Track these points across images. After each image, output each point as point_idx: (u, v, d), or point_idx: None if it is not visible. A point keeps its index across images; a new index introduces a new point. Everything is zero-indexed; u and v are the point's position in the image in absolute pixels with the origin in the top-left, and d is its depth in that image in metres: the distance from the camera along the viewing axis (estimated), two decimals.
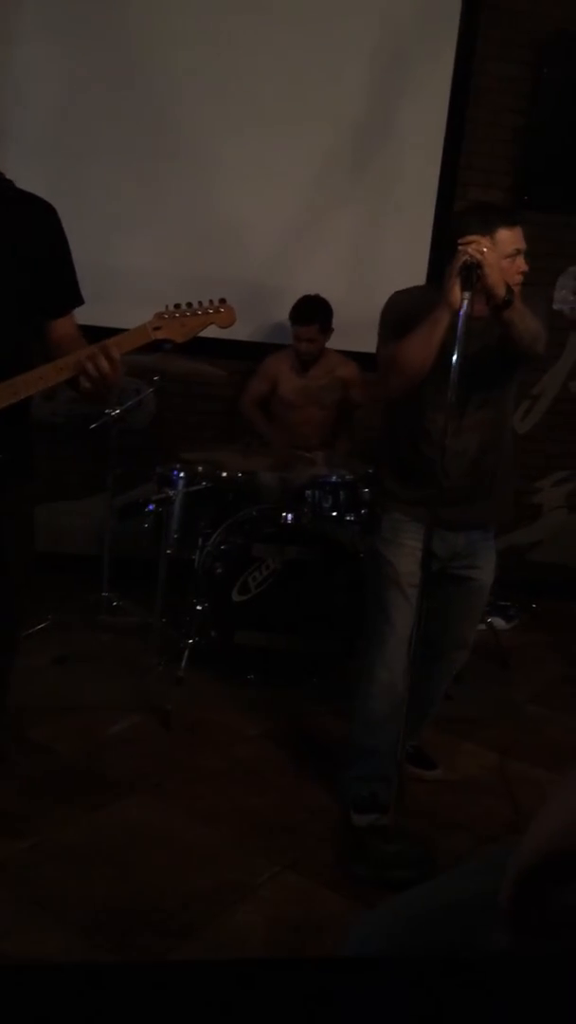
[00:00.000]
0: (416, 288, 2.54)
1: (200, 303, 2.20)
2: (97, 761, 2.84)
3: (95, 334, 2.50)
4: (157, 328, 2.13)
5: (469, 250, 2.19)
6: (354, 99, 4.19)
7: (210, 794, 2.73)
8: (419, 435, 2.50)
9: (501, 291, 2.25)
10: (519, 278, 2.35)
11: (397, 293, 2.52)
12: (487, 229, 2.32)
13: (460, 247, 2.21)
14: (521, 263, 2.38)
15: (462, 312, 2.19)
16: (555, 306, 4.60)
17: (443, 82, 4.25)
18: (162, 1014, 0.66)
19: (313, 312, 3.93)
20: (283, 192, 4.18)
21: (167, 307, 2.16)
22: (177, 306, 2.17)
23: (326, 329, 3.97)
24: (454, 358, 2.21)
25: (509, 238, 2.34)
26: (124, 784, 2.72)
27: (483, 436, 2.51)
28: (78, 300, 2.24)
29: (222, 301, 2.20)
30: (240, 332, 4.23)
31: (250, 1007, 0.67)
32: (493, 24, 4.22)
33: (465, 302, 2.19)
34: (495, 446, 2.55)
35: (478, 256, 2.18)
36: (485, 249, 2.20)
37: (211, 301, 2.20)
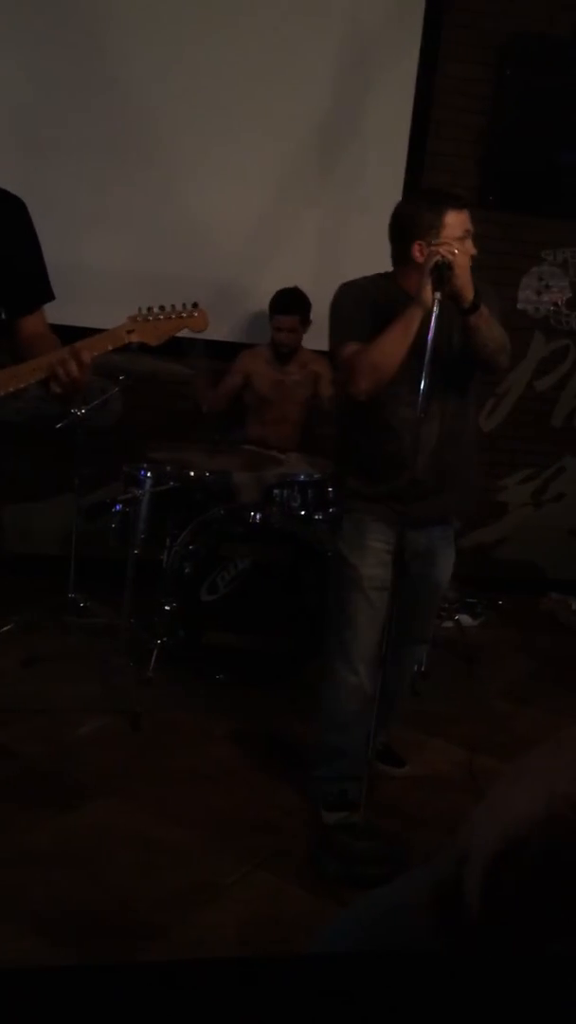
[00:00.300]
0: (362, 280, 2.51)
1: (174, 306, 2.20)
2: (65, 763, 2.82)
3: (63, 333, 2.48)
4: (130, 331, 2.13)
5: (441, 250, 2.24)
6: (320, 99, 4.19)
7: (179, 794, 2.72)
8: (381, 429, 2.48)
9: (469, 294, 2.30)
10: (469, 261, 2.34)
11: (346, 286, 2.50)
12: (436, 212, 2.36)
13: (432, 247, 2.26)
14: (470, 246, 2.38)
15: (434, 312, 2.22)
16: (519, 306, 4.65)
17: (407, 83, 4.27)
18: (131, 1016, 0.65)
19: (295, 302, 3.94)
20: (250, 191, 4.17)
21: (140, 310, 2.15)
22: (150, 309, 2.16)
23: (305, 321, 3.98)
24: (427, 355, 2.22)
25: (457, 220, 2.37)
26: (92, 786, 2.70)
27: (444, 427, 2.50)
28: (48, 296, 2.23)
29: (195, 305, 2.21)
30: (209, 330, 4.23)
31: (220, 1007, 0.67)
32: (456, 25, 4.25)
33: (437, 302, 2.22)
34: (456, 438, 2.55)
35: (450, 257, 2.23)
36: (456, 251, 2.25)
37: (184, 305, 2.21)
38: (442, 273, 2.22)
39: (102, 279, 3.96)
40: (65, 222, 3.92)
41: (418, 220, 2.40)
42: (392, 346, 2.32)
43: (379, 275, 2.53)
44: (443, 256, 2.22)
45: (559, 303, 4.70)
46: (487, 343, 2.41)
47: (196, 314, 2.22)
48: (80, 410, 3.52)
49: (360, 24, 4.15)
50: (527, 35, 4.25)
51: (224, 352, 4.19)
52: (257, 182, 4.18)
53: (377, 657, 2.55)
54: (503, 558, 4.99)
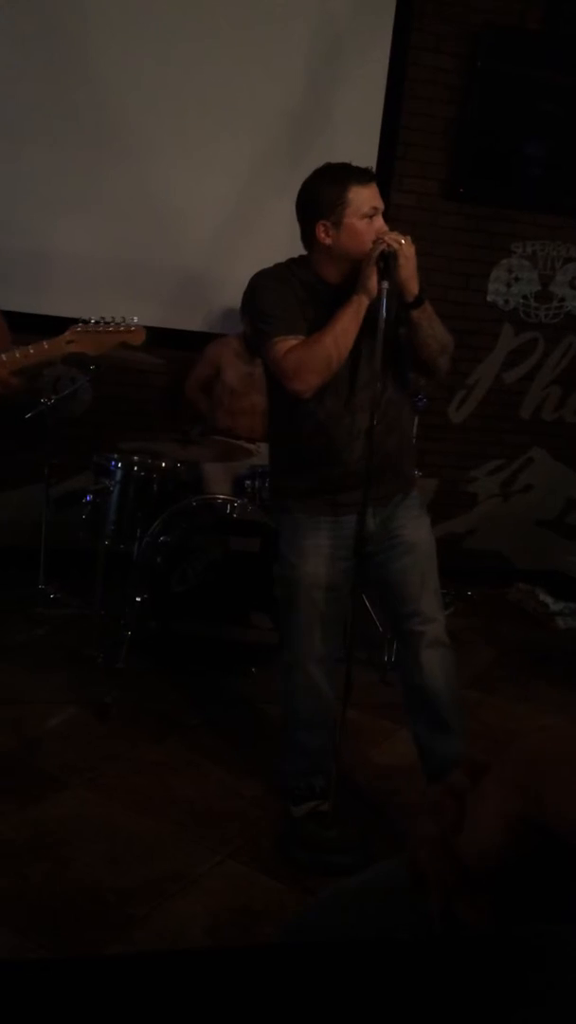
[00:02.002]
0: (276, 268, 2.41)
1: (115, 319, 2.42)
2: (34, 754, 2.81)
3: (32, 321, 2.48)
4: (70, 342, 2.37)
5: (387, 239, 2.20)
6: (291, 89, 4.18)
7: (149, 785, 2.72)
8: (307, 422, 2.39)
9: (414, 287, 2.26)
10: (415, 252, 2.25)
11: (262, 278, 2.40)
12: (338, 188, 2.25)
13: (377, 237, 2.21)
14: (381, 224, 2.28)
15: (383, 303, 2.19)
16: (488, 298, 4.68)
17: (379, 73, 4.27)
18: (103, 1007, 0.66)
19: None
20: (222, 181, 4.15)
21: (80, 323, 2.39)
22: (96, 322, 2.38)
23: None
24: (379, 344, 2.21)
25: (362, 196, 2.26)
26: (61, 777, 2.70)
27: (377, 417, 2.28)
28: None
29: (135, 321, 2.47)
30: (181, 320, 4.22)
31: (191, 997, 0.68)
32: (428, 16, 4.25)
33: (384, 291, 2.19)
34: (391, 428, 2.43)
35: (395, 246, 2.19)
36: (403, 241, 2.21)
37: (124, 319, 2.44)
38: (388, 263, 2.18)
39: (74, 268, 3.93)
40: (37, 211, 3.88)
41: (319, 198, 2.28)
42: (344, 338, 2.25)
43: (292, 261, 2.43)
44: (389, 245, 2.18)
45: (528, 296, 4.73)
46: (429, 342, 2.34)
47: (134, 329, 2.46)
48: (49, 399, 3.50)
49: (332, 14, 4.14)
50: (499, 27, 4.26)
51: (193, 341, 4.18)
52: (228, 171, 4.16)
53: (332, 656, 2.54)
54: (472, 548, 5.03)
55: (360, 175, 2.29)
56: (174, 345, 4.20)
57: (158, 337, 4.07)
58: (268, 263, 4.06)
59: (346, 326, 2.25)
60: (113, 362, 3.59)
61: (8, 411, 3.84)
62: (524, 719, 3.39)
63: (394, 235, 2.21)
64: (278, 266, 2.42)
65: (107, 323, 2.40)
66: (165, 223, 4.11)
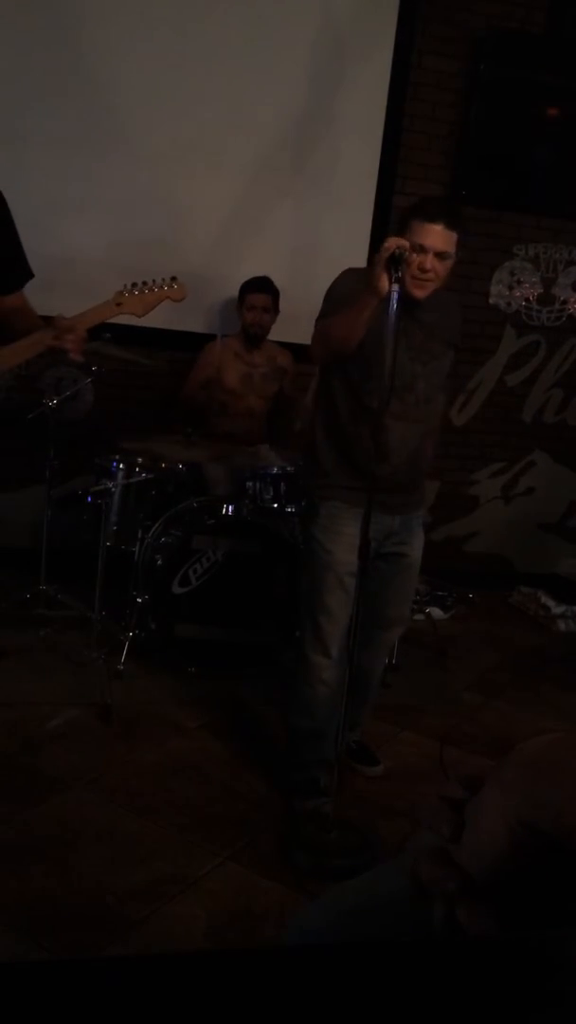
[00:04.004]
0: (359, 270, 2.58)
1: (155, 280, 2.51)
2: (34, 756, 2.81)
3: None
4: (119, 304, 2.43)
5: (395, 242, 2.30)
6: (294, 91, 4.18)
7: (149, 787, 2.72)
8: (368, 423, 2.48)
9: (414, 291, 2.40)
10: (417, 273, 2.38)
11: (347, 271, 2.59)
12: (407, 217, 2.43)
13: (387, 240, 2.33)
14: (425, 261, 2.38)
15: (393, 303, 2.26)
16: (491, 300, 4.68)
17: (382, 75, 4.27)
18: (101, 1010, 0.65)
19: (267, 283, 3.95)
20: (225, 183, 4.16)
21: (125, 286, 2.46)
22: (135, 284, 2.47)
23: (276, 305, 3.98)
24: (389, 346, 2.27)
25: (420, 232, 2.38)
26: (62, 779, 2.69)
27: (426, 428, 2.62)
28: (29, 274, 2.47)
29: (173, 278, 2.54)
30: (182, 322, 4.22)
31: (191, 1000, 0.67)
32: (431, 19, 4.25)
33: (394, 292, 2.27)
34: (430, 437, 2.67)
35: (404, 247, 2.29)
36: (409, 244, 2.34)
37: (164, 279, 2.54)
38: (397, 264, 2.28)
39: (75, 270, 3.93)
40: (39, 212, 3.87)
41: (397, 222, 2.50)
42: (344, 324, 2.40)
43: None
44: (399, 247, 2.28)
45: (530, 298, 4.73)
46: None
47: (176, 286, 2.52)
48: (51, 401, 3.50)
49: (335, 16, 4.14)
50: (501, 31, 4.26)
51: (193, 342, 4.17)
52: (231, 173, 4.16)
53: (347, 642, 2.57)
54: (473, 551, 5.03)
55: (427, 213, 2.39)
56: (175, 346, 4.20)
57: (159, 338, 4.07)
58: (270, 264, 4.10)
59: (350, 317, 2.38)
60: (114, 364, 3.58)
61: (10, 412, 3.84)
62: (526, 722, 3.38)
63: (402, 240, 2.31)
64: (364, 268, 2.58)
65: (147, 284, 2.49)
66: (167, 225, 4.11)
